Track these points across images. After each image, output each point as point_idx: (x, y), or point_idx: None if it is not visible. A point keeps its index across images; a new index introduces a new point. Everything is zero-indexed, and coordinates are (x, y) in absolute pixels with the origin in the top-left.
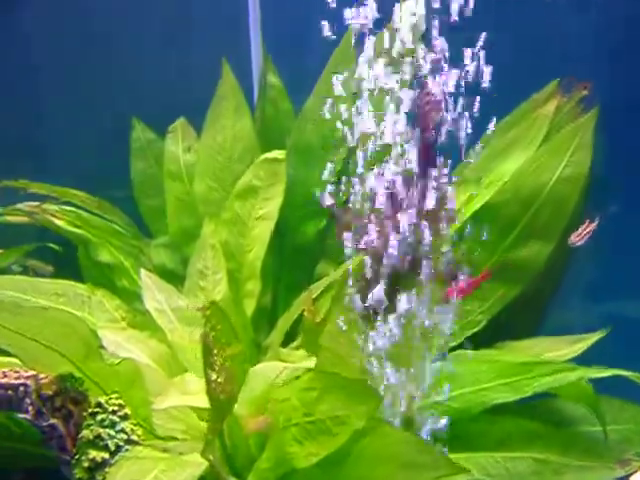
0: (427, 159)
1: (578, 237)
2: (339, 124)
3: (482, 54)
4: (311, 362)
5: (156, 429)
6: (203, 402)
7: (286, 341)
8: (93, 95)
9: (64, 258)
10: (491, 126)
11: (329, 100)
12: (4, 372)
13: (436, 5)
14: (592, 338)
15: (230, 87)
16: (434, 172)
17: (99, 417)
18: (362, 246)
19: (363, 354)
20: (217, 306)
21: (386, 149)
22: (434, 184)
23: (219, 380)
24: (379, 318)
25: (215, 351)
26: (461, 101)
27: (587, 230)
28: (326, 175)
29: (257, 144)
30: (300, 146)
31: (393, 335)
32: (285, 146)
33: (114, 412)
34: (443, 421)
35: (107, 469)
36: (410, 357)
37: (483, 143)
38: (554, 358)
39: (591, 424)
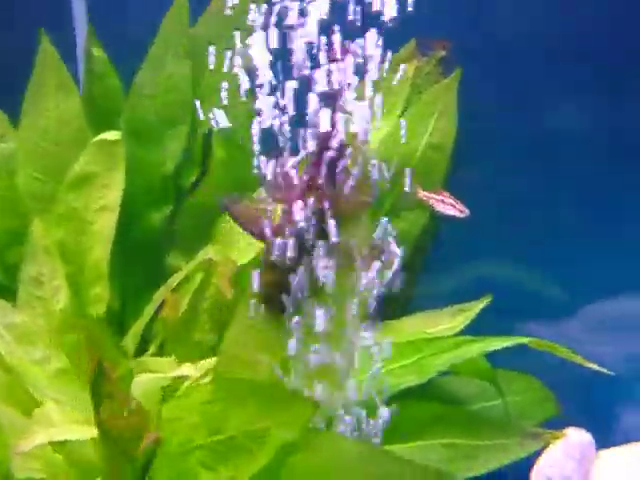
0: None
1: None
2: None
3: None
4: (192, 369)
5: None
6: (73, 433)
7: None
8: None
9: None
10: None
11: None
12: None
13: None
14: (473, 309)
15: (51, 62)
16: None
17: None
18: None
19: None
20: (94, 319)
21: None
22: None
23: (123, 413)
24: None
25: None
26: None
27: (445, 199)
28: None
29: (87, 126)
30: (135, 125)
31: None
32: (117, 126)
33: None
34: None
35: None
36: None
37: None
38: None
39: (484, 400)
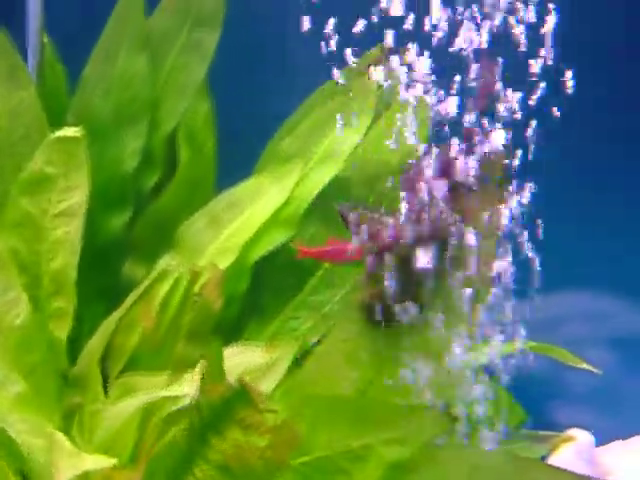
0: None
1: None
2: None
3: None
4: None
5: None
6: (96, 463)
7: None
8: None
9: None
10: None
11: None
12: None
13: None
14: None
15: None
16: None
17: None
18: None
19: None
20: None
21: None
22: None
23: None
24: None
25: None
26: None
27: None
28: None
29: (45, 120)
30: (86, 123)
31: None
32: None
33: None
34: None
35: None
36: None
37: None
38: None
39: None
